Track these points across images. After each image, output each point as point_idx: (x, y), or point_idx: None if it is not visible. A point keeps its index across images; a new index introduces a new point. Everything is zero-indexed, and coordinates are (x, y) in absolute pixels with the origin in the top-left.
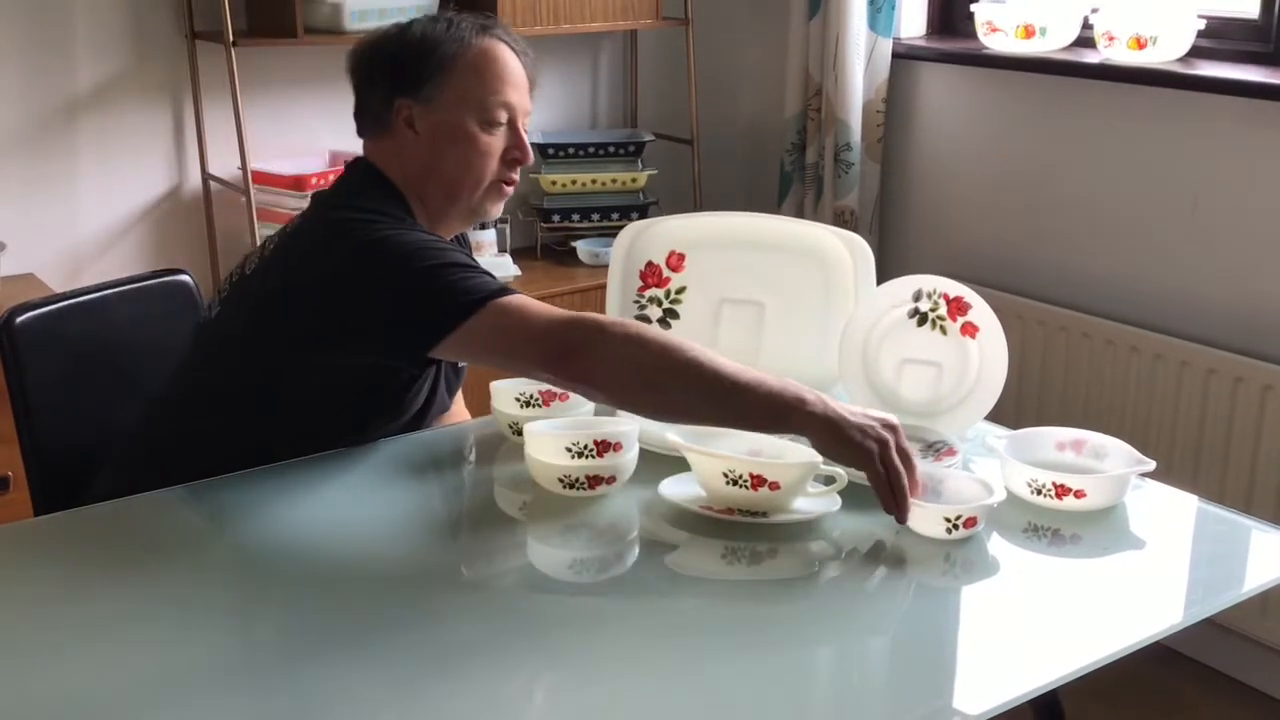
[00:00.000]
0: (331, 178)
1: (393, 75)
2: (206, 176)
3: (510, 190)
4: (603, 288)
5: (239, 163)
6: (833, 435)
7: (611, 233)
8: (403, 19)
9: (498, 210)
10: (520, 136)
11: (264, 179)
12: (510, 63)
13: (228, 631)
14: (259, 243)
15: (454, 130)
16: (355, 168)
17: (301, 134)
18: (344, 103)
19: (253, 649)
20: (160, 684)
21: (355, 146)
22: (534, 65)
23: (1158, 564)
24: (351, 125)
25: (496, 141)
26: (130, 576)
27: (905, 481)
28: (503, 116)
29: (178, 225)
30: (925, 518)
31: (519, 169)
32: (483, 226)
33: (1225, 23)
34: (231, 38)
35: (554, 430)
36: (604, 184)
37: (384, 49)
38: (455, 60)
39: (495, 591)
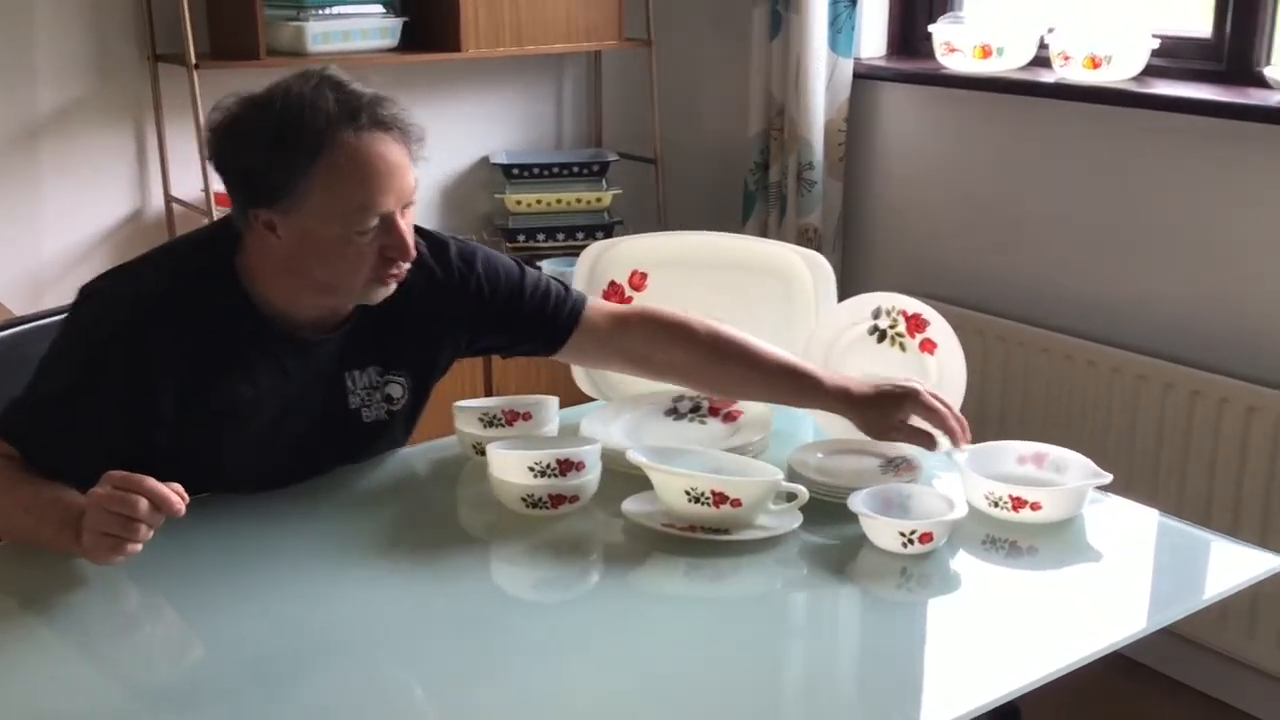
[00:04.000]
0: None
1: (245, 186)
2: (169, 198)
3: (395, 278)
4: None
5: (201, 185)
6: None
7: (577, 252)
8: (364, 43)
9: (384, 294)
10: (397, 234)
11: (226, 201)
12: (382, 157)
13: (186, 656)
14: None
15: (318, 242)
16: (211, 244)
17: None
18: None
19: (213, 672)
20: (117, 708)
21: None
22: (415, 133)
23: (1117, 575)
24: None
25: (369, 245)
26: (88, 599)
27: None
28: (374, 222)
29: (140, 247)
30: (881, 532)
31: (403, 264)
32: None
33: (1178, 42)
34: (194, 60)
35: (517, 450)
36: (569, 204)
37: (235, 151)
38: (313, 167)
39: (459, 612)
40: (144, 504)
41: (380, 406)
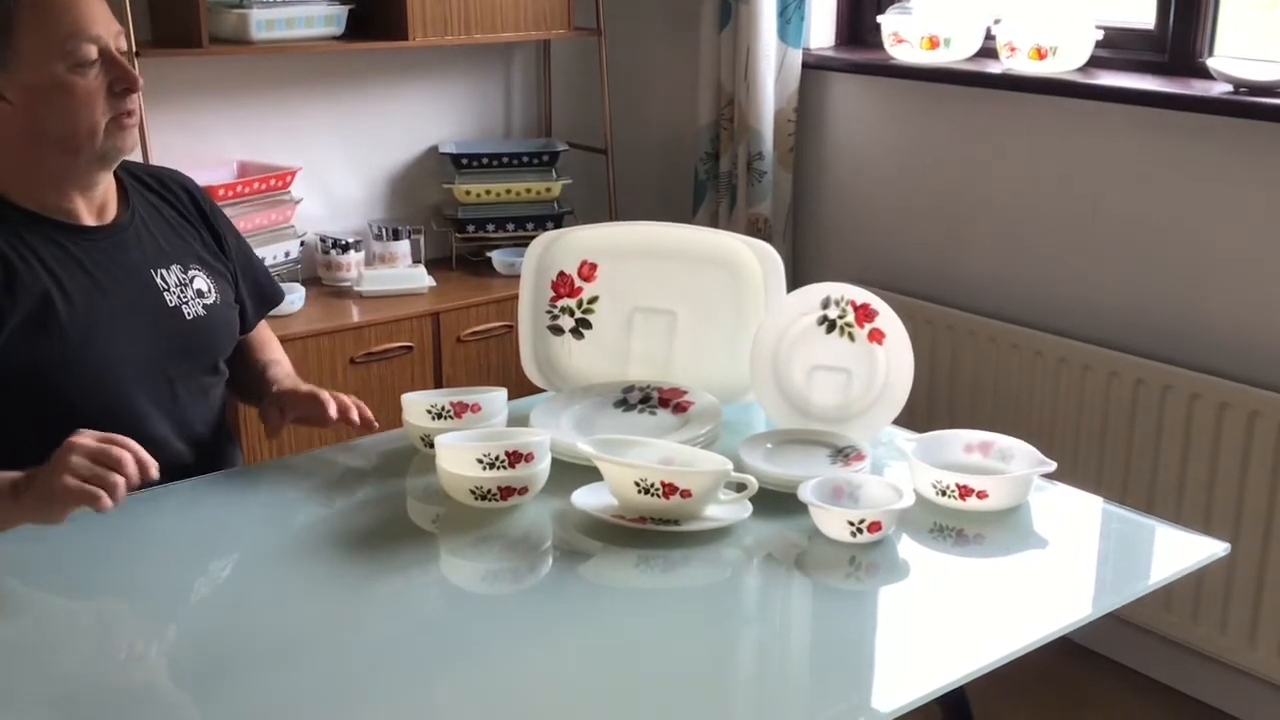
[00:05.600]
0: (240, 189)
1: None
2: None
3: (133, 122)
4: (518, 298)
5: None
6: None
7: (526, 243)
8: (309, 31)
9: (131, 145)
10: (120, 65)
11: None
12: None
13: (123, 656)
14: None
15: (46, 87)
16: None
17: (208, 145)
18: (253, 114)
19: (151, 674)
20: (57, 707)
21: (266, 157)
22: None
23: (1062, 562)
24: (262, 136)
25: (95, 81)
26: (33, 597)
27: (116, 475)
28: (92, 52)
29: None
30: (830, 521)
31: (132, 96)
32: (395, 236)
33: (1122, 33)
34: (135, 48)
35: (465, 442)
36: (518, 194)
37: None
38: (15, 14)
39: (408, 605)
40: (131, 463)
41: (196, 303)
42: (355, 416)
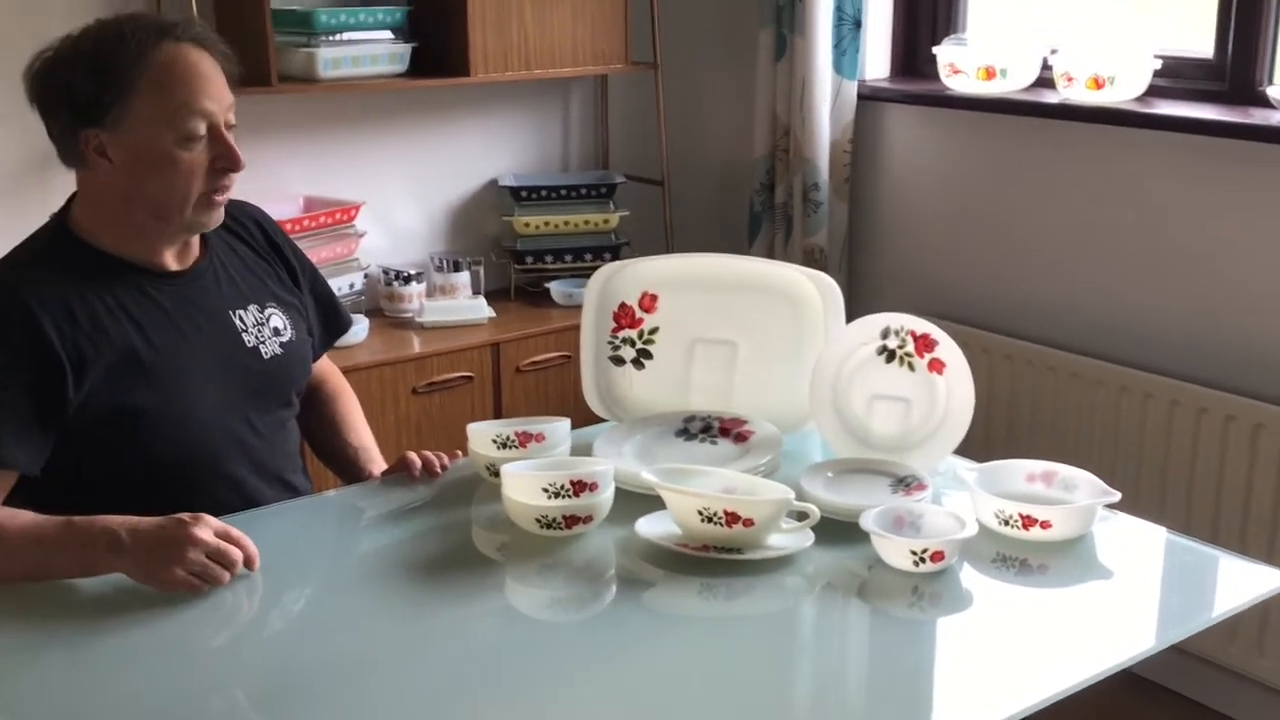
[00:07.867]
0: (306, 223)
1: (72, 106)
2: None
3: (223, 199)
4: (577, 329)
5: None
6: (143, 573)
7: (585, 273)
8: (375, 69)
9: (216, 219)
10: (226, 143)
11: None
12: (199, 66)
13: (199, 677)
14: None
15: (151, 154)
16: (48, 223)
17: (276, 181)
18: (319, 150)
19: (226, 695)
20: None
21: (331, 192)
22: (227, 55)
23: (1126, 593)
24: (328, 171)
25: (199, 156)
26: (98, 619)
27: (225, 569)
28: (201, 128)
29: None
30: (893, 550)
31: (230, 175)
32: (455, 268)
33: (1181, 62)
34: None
35: (530, 471)
36: (576, 225)
37: (57, 76)
38: (137, 79)
39: (473, 632)
40: (240, 563)
41: (273, 342)
42: (439, 469)
